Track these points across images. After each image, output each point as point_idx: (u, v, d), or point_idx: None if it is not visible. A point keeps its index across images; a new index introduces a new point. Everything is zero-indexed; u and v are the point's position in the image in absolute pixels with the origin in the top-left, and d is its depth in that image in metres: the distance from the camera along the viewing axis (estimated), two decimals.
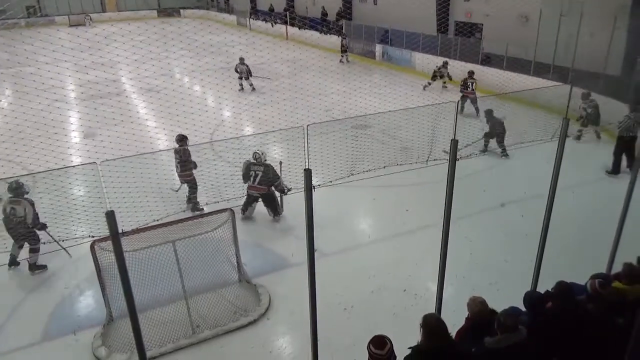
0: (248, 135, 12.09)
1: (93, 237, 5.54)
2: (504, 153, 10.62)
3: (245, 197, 8.27)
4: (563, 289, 4.13)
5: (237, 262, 6.51)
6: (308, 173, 3.73)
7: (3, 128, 12.41)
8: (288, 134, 10.57)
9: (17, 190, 7.03)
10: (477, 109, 13.42)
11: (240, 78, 17.23)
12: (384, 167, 7.91)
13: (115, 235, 3.53)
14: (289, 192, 8.04)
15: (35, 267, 7.09)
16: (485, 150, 10.74)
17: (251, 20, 34.14)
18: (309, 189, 3.74)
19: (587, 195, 8.73)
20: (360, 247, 7.58)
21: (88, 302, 6.49)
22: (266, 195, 8.18)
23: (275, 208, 8.23)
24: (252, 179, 8.09)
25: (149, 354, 5.22)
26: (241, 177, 8.28)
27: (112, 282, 5.41)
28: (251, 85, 17.29)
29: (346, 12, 26.31)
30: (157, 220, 6.69)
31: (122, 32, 27.75)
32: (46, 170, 8.81)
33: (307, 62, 21.77)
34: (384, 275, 6.72)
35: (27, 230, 6.88)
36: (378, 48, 21.72)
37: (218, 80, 16.56)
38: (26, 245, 7.14)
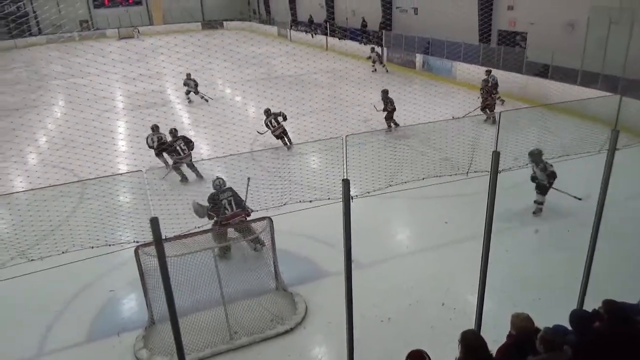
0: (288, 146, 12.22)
1: (137, 242, 5.76)
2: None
3: (216, 237, 6.69)
4: (612, 307, 3.95)
5: (275, 270, 6.57)
6: (346, 184, 3.75)
7: (57, 137, 13.04)
8: (327, 144, 10.69)
9: None
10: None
11: (189, 92, 17.97)
12: (423, 178, 7.86)
13: (158, 241, 3.64)
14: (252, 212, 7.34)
15: None
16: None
17: (292, 31, 34.65)
18: (346, 199, 3.75)
19: (638, 209, 8.34)
20: (397, 258, 7.50)
21: (131, 305, 6.71)
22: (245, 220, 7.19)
23: (257, 238, 6.95)
24: (228, 207, 7.18)
25: (188, 358, 5.34)
26: (208, 209, 7.23)
27: (154, 286, 5.56)
28: (202, 97, 17.94)
29: (386, 22, 26.31)
30: (198, 227, 6.87)
31: (168, 45, 28.78)
32: (95, 177, 9.22)
33: (347, 72, 21.86)
34: (421, 288, 6.62)
35: None
36: (418, 58, 21.57)
37: (259, 91, 16.88)
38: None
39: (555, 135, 10.30)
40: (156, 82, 21.31)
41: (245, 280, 6.17)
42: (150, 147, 11.56)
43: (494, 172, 4.22)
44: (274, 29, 37.32)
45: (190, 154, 10.90)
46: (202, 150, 12.77)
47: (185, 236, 7.35)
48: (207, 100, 17.85)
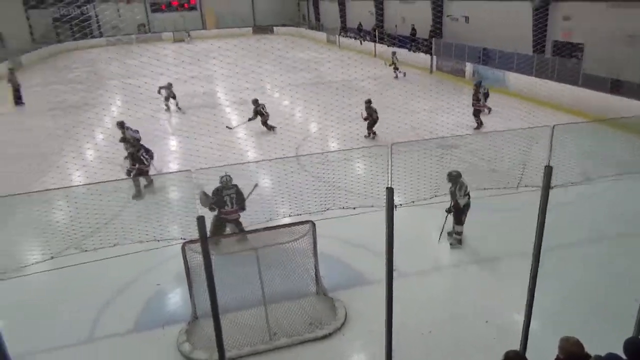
0: (333, 151, 12.28)
1: (184, 239, 5.94)
2: None
3: (214, 225, 7.70)
4: None
5: (316, 274, 6.61)
6: (390, 192, 3.74)
7: (113, 135, 13.63)
8: (372, 151, 10.68)
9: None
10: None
11: (167, 99, 17.99)
12: (471, 190, 7.68)
13: (203, 239, 3.76)
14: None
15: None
16: None
17: (340, 37, 34.83)
18: (390, 207, 3.75)
19: None
20: (441, 270, 7.39)
21: (176, 299, 6.92)
22: (238, 219, 7.84)
23: (243, 230, 7.70)
24: (229, 203, 7.67)
25: (228, 354, 5.47)
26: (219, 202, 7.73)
27: (198, 282, 5.72)
28: (177, 105, 18.00)
29: (436, 30, 26.01)
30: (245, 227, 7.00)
31: (220, 49, 29.55)
32: (150, 175, 9.55)
33: (395, 79, 21.76)
34: (464, 302, 6.48)
35: None
36: (468, 67, 21.19)
37: (307, 96, 17.06)
38: None
39: (611, 152, 9.88)
40: (207, 85, 21.94)
41: (286, 282, 6.24)
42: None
43: (546, 187, 4.11)
44: (323, 35, 37.63)
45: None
46: (248, 152, 13.02)
47: (229, 235, 7.56)
48: (180, 109, 18.08)
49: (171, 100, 17.94)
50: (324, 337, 5.93)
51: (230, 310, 5.98)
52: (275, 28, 44.98)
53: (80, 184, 11.00)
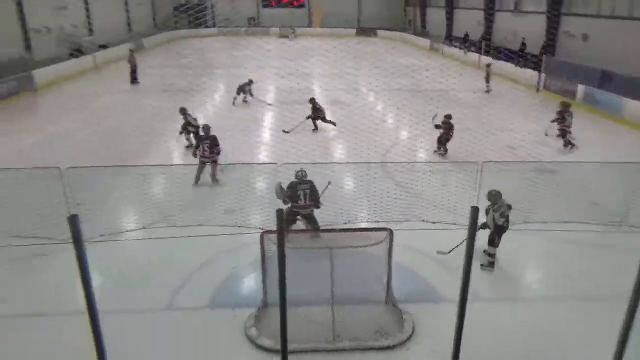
0: (420, 162, 12.03)
1: (262, 228, 6.15)
2: None
3: (289, 215, 7.85)
4: None
5: (388, 283, 6.52)
6: (475, 211, 3.59)
7: (213, 121, 14.40)
8: (462, 167, 10.31)
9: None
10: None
11: (239, 93, 18.11)
12: (565, 222, 7.14)
13: (280, 232, 3.86)
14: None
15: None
16: None
17: (445, 46, 33.97)
18: (473, 227, 3.59)
19: None
20: (523, 301, 6.93)
21: (249, 284, 7.18)
22: (311, 214, 8.05)
23: (317, 225, 8.01)
24: (303, 198, 7.88)
25: (292, 347, 5.56)
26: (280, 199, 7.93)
27: (272, 271, 5.88)
28: (245, 101, 18.26)
29: (549, 46, 24.45)
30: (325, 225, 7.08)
31: (323, 48, 30.09)
32: (236, 163, 10.04)
33: (498, 94, 20.82)
34: (545, 340, 6.03)
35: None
36: (580, 89, 19.68)
37: (401, 102, 16.86)
38: None
39: None
40: (304, 82, 22.47)
41: (357, 286, 6.22)
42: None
43: None
44: (426, 42, 36.94)
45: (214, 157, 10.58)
46: (336, 152, 13.15)
47: (306, 231, 7.70)
48: (246, 101, 18.44)
49: (242, 95, 18.32)
50: (388, 348, 5.83)
51: (299, 304, 6.07)
52: (379, 31, 44.92)
53: (179, 164, 11.81)
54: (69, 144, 13.24)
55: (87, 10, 30.69)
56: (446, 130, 12.37)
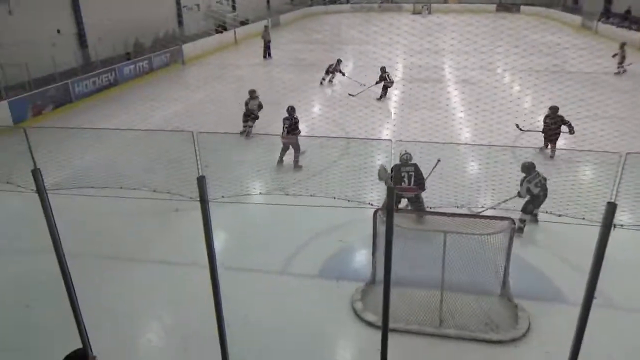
0: (561, 149, 10.93)
1: (371, 204, 6.13)
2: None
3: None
4: None
5: (504, 275, 6.15)
6: (611, 207, 3.18)
7: (334, 97, 14.63)
8: (602, 157, 9.18)
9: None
10: None
11: (328, 73, 17.70)
12: None
13: (390, 210, 3.82)
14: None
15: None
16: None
17: (600, 23, 30.12)
18: (607, 224, 3.19)
19: None
20: None
21: (357, 259, 7.31)
22: (416, 197, 7.81)
23: (423, 208, 7.72)
24: (406, 180, 7.70)
25: (395, 325, 5.58)
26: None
27: (382, 248, 5.87)
28: (330, 81, 17.81)
29: None
30: (431, 207, 6.90)
31: (458, 24, 28.63)
32: (349, 137, 10.07)
33: (616, 75, 18.16)
34: None
35: None
36: None
37: (540, 81, 15.46)
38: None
39: None
40: (439, 58, 21.63)
41: (470, 274, 5.95)
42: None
43: None
44: (577, 19, 33.08)
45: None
46: (461, 132, 12.57)
47: (419, 212, 7.53)
48: (330, 82, 17.98)
49: (331, 75, 17.90)
50: (497, 342, 5.54)
51: (406, 285, 6.02)
52: (522, 7, 41.30)
53: (305, 135, 12.23)
54: (207, 111, 14.45)
55: None
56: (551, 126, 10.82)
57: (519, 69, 19.22)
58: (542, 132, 11.11)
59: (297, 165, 10.23)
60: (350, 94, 15.62)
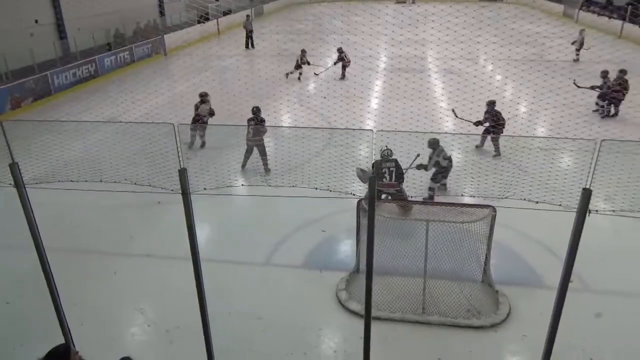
0: (538, 137, 11.13)
1: (353, 194, 6.17)
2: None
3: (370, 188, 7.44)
4: None
5: (485, 262, 6.26)
6: (586, 193, 3.26)
7: (319, 86, 14.63)
8: (578, 145, 9.36)
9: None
10: None
11: (297, 68, 17.22)
12: None
13: (372, 199, 3.87)
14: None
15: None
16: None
17: (581, 12, 30.44)
18: (582, 211, 3.28)
19: None
20: (636, 296, 6.27)
21: (341, 249, 7.37)
22: (397, 191, 7.69)
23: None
24: (387, 176, 7.64)
25: (379, 314, 5.66)
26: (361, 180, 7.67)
27: (365, 238, 5.93)
28: (299, 78, 17.20)
29: None
30: (413, 197, 6.95)
31: (441, 14, 28.64)
32: (331, 128, 10.07)
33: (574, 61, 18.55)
34: None
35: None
36: None
37: (524, 72, 15.60)
38: None
39: None
40: (420, 48, 21.66)
41: (451, 261, 6.05)
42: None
43: None
44: (559, 8, 33.35)
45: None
46: (446, 123, 12.65)
47: (401, 200, 7.60)
48: (299, 79, 17.32)
49: (300, 70, 17.34)
50: (478, 327, 5.66)
51: (390, 274, 6.09)
52: None
53: (287, 125, 12.20)
54: (189, 103, 14.29)
55: None
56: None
57: (500, 57, 19.38)
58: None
59: (267, 170, 9.79)
60: (315, 73, 17.22)
